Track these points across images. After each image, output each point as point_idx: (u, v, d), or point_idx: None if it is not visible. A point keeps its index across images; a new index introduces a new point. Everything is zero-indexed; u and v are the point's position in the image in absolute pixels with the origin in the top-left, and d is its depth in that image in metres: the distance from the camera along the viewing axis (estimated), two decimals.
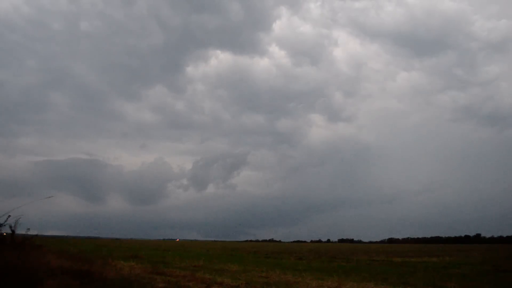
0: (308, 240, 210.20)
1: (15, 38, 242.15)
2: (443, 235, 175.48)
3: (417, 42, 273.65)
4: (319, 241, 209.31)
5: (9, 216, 13.69)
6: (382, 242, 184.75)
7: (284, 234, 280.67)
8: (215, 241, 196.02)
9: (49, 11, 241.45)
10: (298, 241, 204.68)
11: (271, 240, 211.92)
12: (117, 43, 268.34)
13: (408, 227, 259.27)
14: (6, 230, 14.06)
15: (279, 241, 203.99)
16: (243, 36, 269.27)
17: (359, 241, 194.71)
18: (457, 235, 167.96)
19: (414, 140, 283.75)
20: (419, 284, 14.92)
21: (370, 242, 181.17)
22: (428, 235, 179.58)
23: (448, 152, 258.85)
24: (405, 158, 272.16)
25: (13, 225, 13.79)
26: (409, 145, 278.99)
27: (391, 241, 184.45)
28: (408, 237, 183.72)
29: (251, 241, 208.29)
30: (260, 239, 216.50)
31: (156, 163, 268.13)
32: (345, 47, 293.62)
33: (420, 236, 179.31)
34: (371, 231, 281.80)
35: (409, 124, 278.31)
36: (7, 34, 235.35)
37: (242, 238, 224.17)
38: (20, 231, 14.52)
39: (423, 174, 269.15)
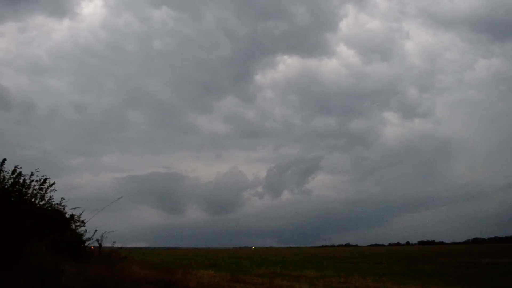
0: (386, 243, 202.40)
1: (95, 63, 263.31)
2: None
3: (496, 26, 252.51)
4: (398, 243, 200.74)
5: (96, 230, 14.65)
6: (466, 242, 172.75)
7: (360, 237, 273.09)
8: (290, 247, 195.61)
9: (124, 33, 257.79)
10: (375, 245, 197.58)
11: (347, 245, 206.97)
12: (188, 58, 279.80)
13: (495, 225, 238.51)
14: (94, 244, 15.06)
15: (356, 245, 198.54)
16: (310, 39, 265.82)
17: (441, 242, 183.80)
18: None
19: (498, 132, 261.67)
20: None
21: (453, 243, 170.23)
22: None
23: None
24: (488, 152, 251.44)
25: (100, 238, 14.74)
26: (492, 138, 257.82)
27: (476, 241, 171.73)
28: (495, 236, 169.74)
29: (326, 246, 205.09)
30: (336, 244, 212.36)
31: (231, 173, 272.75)
32: (417, 39, 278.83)
33: (509, 235, 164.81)
34: (453, 231, 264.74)
35: (491, 115, 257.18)
36: (88, 60, 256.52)
37: (318, 243, 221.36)
38: (106, 244, 15.44)
39: (509, 167, 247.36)
